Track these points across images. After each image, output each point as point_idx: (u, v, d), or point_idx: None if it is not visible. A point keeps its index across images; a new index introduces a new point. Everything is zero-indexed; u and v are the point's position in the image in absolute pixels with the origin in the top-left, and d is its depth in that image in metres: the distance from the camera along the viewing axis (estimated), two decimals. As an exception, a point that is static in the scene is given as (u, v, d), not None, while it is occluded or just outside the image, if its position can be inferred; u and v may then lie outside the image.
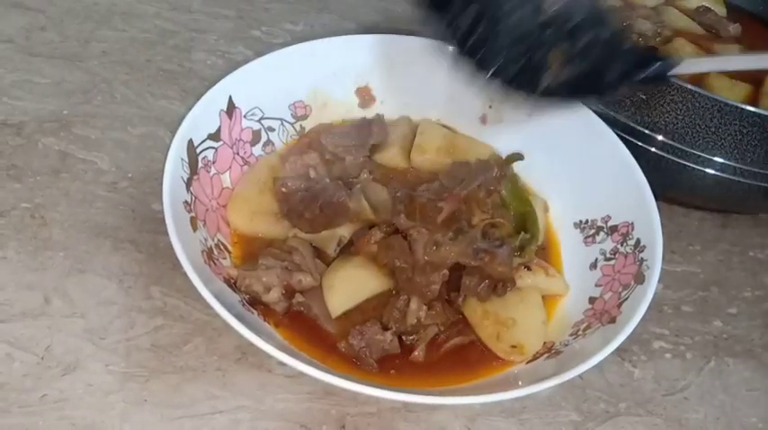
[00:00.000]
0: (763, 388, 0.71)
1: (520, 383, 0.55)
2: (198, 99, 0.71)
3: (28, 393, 0.60)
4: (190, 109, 0.69)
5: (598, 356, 0.57)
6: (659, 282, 0.75)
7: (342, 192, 0.66)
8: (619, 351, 0.67)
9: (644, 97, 0.74)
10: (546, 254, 0.74)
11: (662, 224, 0.68)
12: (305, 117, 0.79)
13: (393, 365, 0.63)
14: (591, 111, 0.76)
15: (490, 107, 0.82)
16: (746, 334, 0.75)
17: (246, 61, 0.76)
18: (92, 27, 0.92)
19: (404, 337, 0.64)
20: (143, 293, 0.68)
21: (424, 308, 0.64)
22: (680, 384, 0.70)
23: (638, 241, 0.68)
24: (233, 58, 0.91)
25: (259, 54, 0.77)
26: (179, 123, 0.68)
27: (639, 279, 0.65)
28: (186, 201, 0.64)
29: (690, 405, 0.69)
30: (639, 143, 0.76)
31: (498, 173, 0.68)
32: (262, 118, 0.75)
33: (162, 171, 0.63)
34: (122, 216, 0.73)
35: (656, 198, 0.70)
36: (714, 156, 0.74)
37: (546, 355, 0.63)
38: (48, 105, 0.82)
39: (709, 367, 0.72)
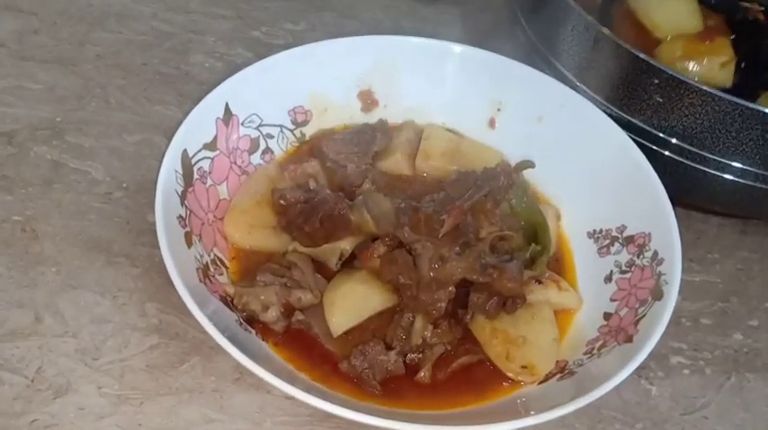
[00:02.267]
0: (787, 405, 0.68)
1: (532, 412, 0.52)
2: (195, 104, 0.68)
3: (17, 418, 0.58)
4: (187, 115, 0.67)
5: (614, 380, 0.54)
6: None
7: (343, 204, 0.63)
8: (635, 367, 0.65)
9: (660, 100, 0.70)
10: (559, 265, 0.71)
11: (679, 232, 0.65)
12: (305, 123, 0.76)
13: (397, 387, 0.60)
14: (604, 115, 0.73)
15: (498, 110, 0.79)
16: (768, 347, 0.72)
17: (245, 63, 0.73)
18: (86, 29, 0.89)
19: (408, 357, 0.61)
20: (138, 310, 0.65)
21: (430, 326, 0.61)
22: (699, 402, 0.67)
23: (655, 253, 0.65)
24: (232, 60, 0.88)
25: (258, 55, 0.75)
26: (176, 130, 0.66)
27: (657, 294, 0.61)
28: (181, 216, 0.62)
29: (709, 424, 0.66)
30: (653, 146, 0.73)
31: (506, 181, 0.65)
32: (260, 125, 0.73)
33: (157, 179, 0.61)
34: (117, 228, 0.71)
35: (673, 203, 0.67)
36: (733, 161, 0.71)
37: (559, 376, 0.60)
38: (40, 112, 0.79)
39: (729, 383, 0.69)
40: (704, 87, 0.67)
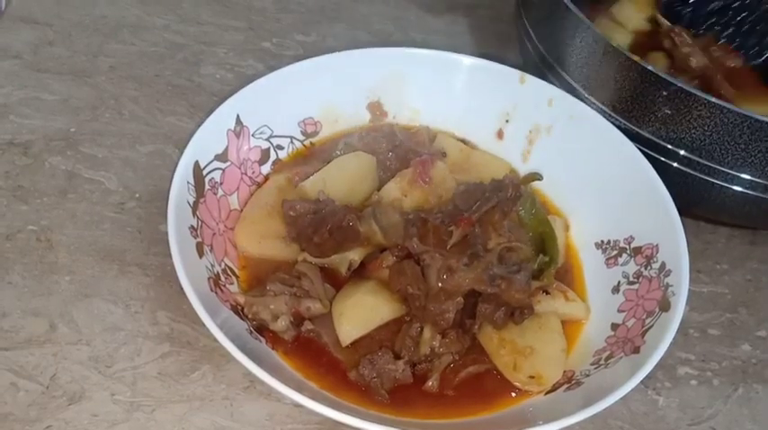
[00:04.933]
0: (796, 417, 0.68)
1: (541, 422, 0.53)
2: (207, 115, 0.69)
3: (32, 424, 0.59)
4: (198, 125, 0.68)
5: (620, 391, 0.55)
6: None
7: (351, 215, 0.64)
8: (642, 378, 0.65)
9: (669, 112, 0.70)
10: (567, 276, 0.71)
11: (688, 242, 0.65)
12: (315, 134, 0.77)
13: (405, 396, 0.60)
14: (613, 126, 0.73)
15: (507, 121, 0.79)
16: (777, 358, 0.72)
17: (256, 75, 0.74)
18: (100, 41, 0.90)
19: (417, 366, 0.62)
20: (150, 318, 0.66)
21: (438, 336, 0.61)
22: (706, 413, 0.67)
23: (662, 265, 0.65)
24: (243, 72, 0.89)
25: (269, 67, 0.76)
26: (188, 140, 0.67)
27: (665, 306, 0.62)
28: (192, 226, 0.62)
29: (717, 435, 0.66)
30: (662, 158, 0.73)
31: (513, 193, 0.65)
32: (270, 136, 0.74)
33: (170, 190, 0.62)
34: (129, 238, 0.72)
35: (681, 214, 0.67)
36: (742, 172, 0.71)
37: (566, 386, 0.61)
38: (55, 123, 0.80)
39: (737, 394, 0.69)
40: (713, 99, 0.67)
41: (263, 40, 0.95)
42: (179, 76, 0.88)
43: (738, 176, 0.71)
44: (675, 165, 0.73)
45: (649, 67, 0.70)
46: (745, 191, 0.72)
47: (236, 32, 0.95)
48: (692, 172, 0.73)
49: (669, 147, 0.73)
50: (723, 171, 0.71)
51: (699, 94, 0.67)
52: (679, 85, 0.68)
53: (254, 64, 0.91)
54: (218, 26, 0.95)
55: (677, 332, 0.70)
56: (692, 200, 0.75)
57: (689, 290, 0.67)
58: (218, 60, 0.91)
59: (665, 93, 0.69)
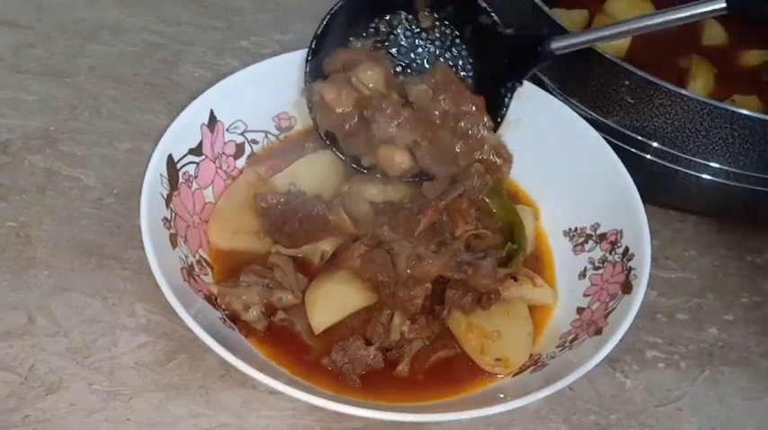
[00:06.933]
0: (760, 397, 0.69)
1: (509, 398, 0.54)
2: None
3: (11, 413, 0.60)
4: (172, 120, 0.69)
5: (582, 369, 0.56)
6: (653, 289, 0.74)
7: (321, 206, 0.65)
8: (610, 361, 0.67)
9: (632, 101, 0.72)
10: (538, 263, 0.73)
11: (656, 230, 0.67)
12: (290, 128, 0.79)
13: (377, 381, 0.62)
14: (579, 117, 0.75)
15: (478, 114, 0.81)
16: (743, 341, 0.74)
17: (233, 73, 0.75)
18: (80, 42, 0.92)
19: (388, 352, 0.63)
20: (127, 310, 0.68)
21: (408, 322, 0.63)
22: (673, 394, 0.69)
23: (626, 249, 0.67)
24: (220, 70, 0.91)
25: (247, 65, 0.77)
26: (163, 136, 0.68)
27: (627, 289, 0.63)
28: (166, 218, 0.64)
29: (683, 416, 0.67)
30: (629, 147, 0.75)
31: (480, 182, 0.67)
32: (245, 131, 0.75)
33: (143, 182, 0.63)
34: (108, 233, 0.73)
35: (651, 203, 0.68)
36: (708, 160, 0.73)
37: (532, 368, 0.62)
38: (34, 122, 0.82)
39: (703, 376, 0.70)
40: (672, 88, 0.69)
41: (242, 38, 0.96)
42: (157, 75, 0.89)
43: (705, 164, 0.73)
44: (642, 154, 0.75)
45: (614, 59, 0.72)
46: (712, 178, 0.73)
47: (215, 32, 0.97)
48: (658, 160, 0.74)
49: (635, 136, 0.74)
50: (688, 159, 0.73)
51: (658, 82, 0.69)
52: (639, 74, 0.69)
53: (231, 62, 0.92)
54: (196, 26, 0.97)
55: (646, 317, 0.72)
56: (663, 189, 0.77)
57: (658, 276, 0.69)
58: (197, 59, 0.92)
59: (626, 82, 0.71)
